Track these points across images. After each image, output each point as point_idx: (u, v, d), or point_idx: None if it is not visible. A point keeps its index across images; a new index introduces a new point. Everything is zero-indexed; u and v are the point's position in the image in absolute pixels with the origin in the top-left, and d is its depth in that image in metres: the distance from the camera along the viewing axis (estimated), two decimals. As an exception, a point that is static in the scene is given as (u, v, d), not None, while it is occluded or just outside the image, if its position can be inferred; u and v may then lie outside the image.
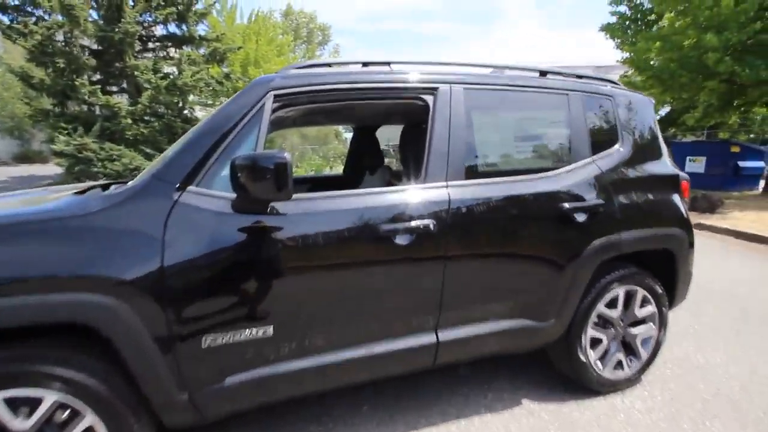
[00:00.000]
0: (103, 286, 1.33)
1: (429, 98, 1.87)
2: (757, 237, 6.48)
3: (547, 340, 2.11)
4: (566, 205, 2.00)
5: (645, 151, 2.38)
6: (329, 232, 1.61)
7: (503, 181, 1.93)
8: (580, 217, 2.04)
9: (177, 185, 1.49)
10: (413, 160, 2.07)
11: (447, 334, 1.87)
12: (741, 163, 12.00)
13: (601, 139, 2.24)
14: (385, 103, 1.99)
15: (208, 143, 1.54)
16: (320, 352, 1.67)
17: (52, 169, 13.49)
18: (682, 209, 2.42)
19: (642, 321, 2.39)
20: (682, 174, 2.48)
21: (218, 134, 1.56)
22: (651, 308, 2.38)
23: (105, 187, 2.11)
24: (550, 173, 2.05)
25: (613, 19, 14.79)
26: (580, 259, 2.05)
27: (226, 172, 1.47)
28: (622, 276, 2.24)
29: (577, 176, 2.09)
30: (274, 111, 1.64)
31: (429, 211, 1.75)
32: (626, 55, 13.22)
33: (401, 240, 1.70)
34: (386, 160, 3.31)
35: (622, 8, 14.74)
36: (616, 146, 2.27)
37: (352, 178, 3.31)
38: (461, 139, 1.88)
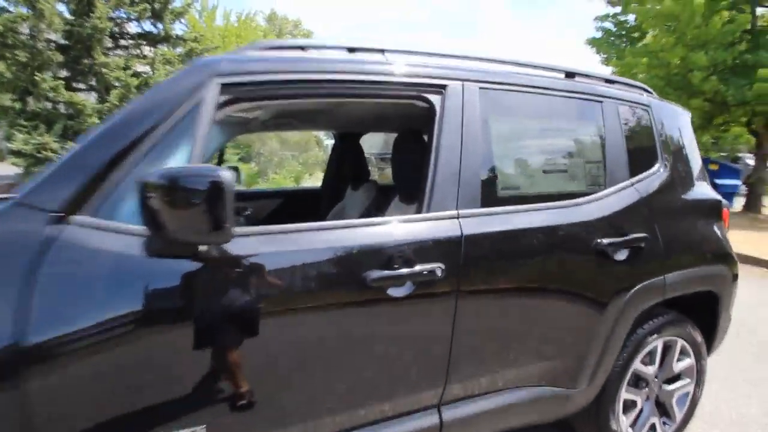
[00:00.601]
0: None
1: (435, 98, 1.42)
2: (752, 259, 6.27)
3: (576, 409, 1.67)
4: (605, 240, 1.57)
5: (685, 172, 1.99)
6: (293, 285, 1.13)
7: (529, 210, 1.49)
8: (621, 255, 1.62)
9: (55, 214, 0.97)
10: (412, 180, 1.62)
11: (453, 413, 1.40)
12: (718, 181, 12.06)
13: (640, 158, 1.83)
14: (375, 103, 1.54)
15: (111, 151, 1.04)
16: None
17: (12, 168, 12.60)
18: (726, 242, 2.04)
19: (678, 376, 1.99)
20: (723, 200, 2.11)
21: (129, 138, 1.05)
22: (689, 361, 1.98)
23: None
24: (583, 199, 1.62)
25: (599, 34, 14.92)
26: (620, 308, 1.62)
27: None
28: (662, 325, 1.83)
29: (615, 203, 1.67)
30: (221, 106, 1.15)
31: (435, 251, 1.29)
32: (611, 69, 13.29)
33: (396, 291, 1.23)
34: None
35: (608, 24, 14.90)
36: (656, 167, 1.86)
37: (331, 192, 2.85)
38: (476, 154, 1.43)
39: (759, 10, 11.16)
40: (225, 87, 1.14)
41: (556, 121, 1.69)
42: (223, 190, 0.91)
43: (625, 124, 1.83)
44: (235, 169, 3.07)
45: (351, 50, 1.38)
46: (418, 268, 1.24)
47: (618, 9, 14.37)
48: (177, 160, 1.07)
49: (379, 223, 1.30)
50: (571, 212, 1.56)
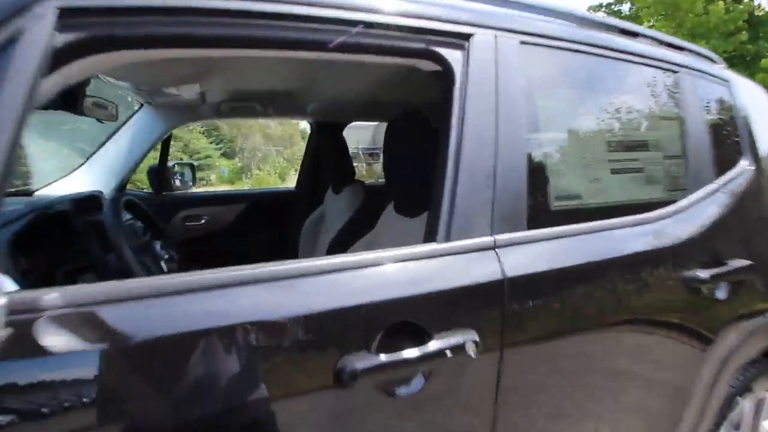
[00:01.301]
0: None
1: (452, 55, 0.88)
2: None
3: None
4: (700, 273, 1.07)
5: (772, 170, 1.50)
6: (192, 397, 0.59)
7: (599, 231, 0.97)
8: (720, 293, 1.11)
9: None
10: (413, 183, 1.09)
11: None
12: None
13: (724, 152, 1.33)
14: (357, 63, 1.01)
15: None
16: None
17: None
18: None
19: (762, 439, 1.51)
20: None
21: None
22: (775, 419, 1.51)
23: None
24: (665, 210, 1.11)
25: (592, 26, 14.59)
26: (719, 364, 1.14)
27: None
28: (753, 378, 1.35)
29: (705, 216, 1.17)
30: (63, 53, 0.58)
31: (462, 310, 0.77)
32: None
33: (407, 388, 0.70)
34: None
35: (601, 14, 14.58)
36: (742, 162, 1.37)
37: (307, 196, 2.31)
38: (518, 146, 0.91)
39: (756, 0, 10.85)
40: (68, 16, 0.59)
41: (626, 98, 1.17)
42: None
43: (706, 104, 1.33)
44: (191, 166, 2.50)
45: (317, -28, 0.83)
46: (434, 345, 0.71)
47: (612, -1, 14.03)
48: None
49: (359, 265, 0.75)
50: (655, 232, 1.05)
